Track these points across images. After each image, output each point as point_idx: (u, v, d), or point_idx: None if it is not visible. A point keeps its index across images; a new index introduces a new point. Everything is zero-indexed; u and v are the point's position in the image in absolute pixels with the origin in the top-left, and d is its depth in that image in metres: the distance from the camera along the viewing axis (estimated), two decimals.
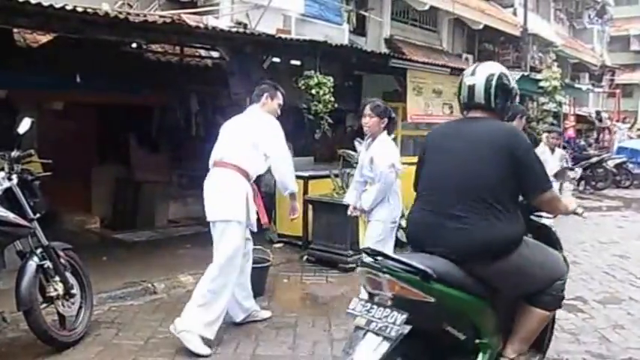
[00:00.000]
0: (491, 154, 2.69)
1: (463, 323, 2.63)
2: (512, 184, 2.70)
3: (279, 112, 4.64)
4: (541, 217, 3.09)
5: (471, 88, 2.87)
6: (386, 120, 4.88)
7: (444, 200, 2.72)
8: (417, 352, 2.56)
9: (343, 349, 2.55)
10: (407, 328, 2.40)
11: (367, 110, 4.87)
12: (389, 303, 2.51)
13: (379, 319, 2.45)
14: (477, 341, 2.68)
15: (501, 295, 2.76)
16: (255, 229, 4.38)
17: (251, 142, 4.28)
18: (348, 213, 5.06)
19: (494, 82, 2.84)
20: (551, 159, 8.88)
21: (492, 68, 2.91)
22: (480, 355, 2.68)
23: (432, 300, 2.48)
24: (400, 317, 2.41)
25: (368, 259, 2.59)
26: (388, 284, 2.50)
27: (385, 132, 4.89)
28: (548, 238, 3.12)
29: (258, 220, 4.38)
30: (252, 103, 4.62)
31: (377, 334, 2.43)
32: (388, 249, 4.87)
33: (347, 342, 2.57)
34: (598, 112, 20.62)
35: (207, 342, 3.99)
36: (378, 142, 4.85)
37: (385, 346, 2.40)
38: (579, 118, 19.40)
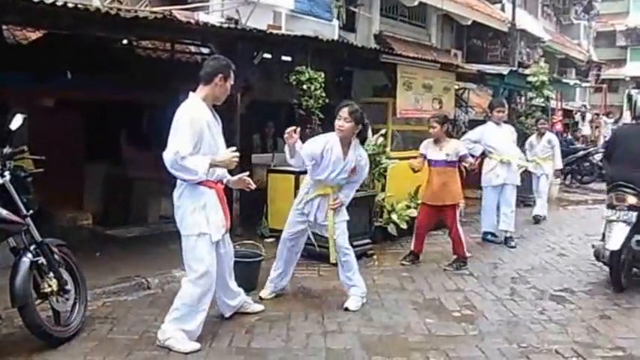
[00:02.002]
0: None
1: None
2: None
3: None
4: None
5: None
6: (360, 127, 4.75)
7: (631, 164, 5.47)
8: (636, 232, 5.33)
9: (602, 233, 5.65)
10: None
11: (345, 113, 4.66)
12: (625, 209, 5.32)
13: (623, 216, 5.31)
14: None
15: None
16: (217, 238, 4.07)
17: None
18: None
19: None
20: (538, 144, 9.19)
21: None
22: None
23: None
24: (635, 214, 5.30)
25: (619, 188, 5.41)
26: (628, 198, 5.33)
27: (357, 139, 4.80)
28: None
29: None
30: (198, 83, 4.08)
31: (623, 222, 5.30)
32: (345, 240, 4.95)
33: (604, 229, 5.60)
34: (584, 106, 20.60)
35: (196, 340, 4.02)
36: (358, 149, 4.77)
37: (628, 228, 5.30)
38: (566, 113, 19.56)
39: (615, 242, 5.28)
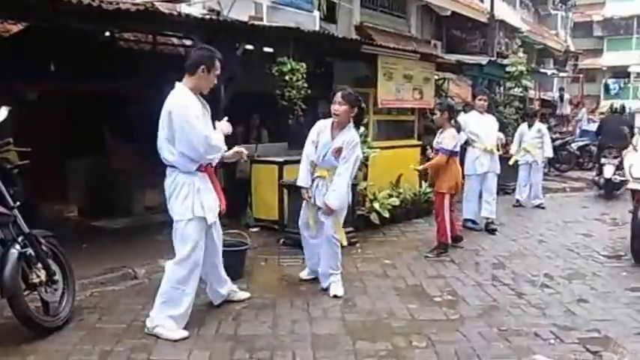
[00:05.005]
0: (622, 125, 11.27)
1: None
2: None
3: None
4: None
5: (617, 108, 12.44)
6: (356, 110, 4.92)
7: (612, 137, 10.80)
8: (617, 169, 10.26)
9: (596, 173, 11.25)
10: None
11: (338, 97, 4.87)
12: (612, 158, 10.44)
13: (611, 161, 10.40)
14: None
15: None
16: (213, 220, 4.21)
17: (165, 130, 4.03)
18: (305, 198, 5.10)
19: (623, 105, 13.05)
20: (528, 133, 9.60)
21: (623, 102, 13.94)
22: None
23: None
24: (616, 161, 10.16)
25: (610, 148, 10.67)
26: (614, 152, 10.43)
27: (352, 123, 4.95)
28: None
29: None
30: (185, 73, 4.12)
31: (611, 165, 10.35)
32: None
33: (599, 170, 10.94)
34: (561, 89, 20.84)
35: (183, 327, 4.08)
36: (347, 131, 4.89)
37: (614, 167, 10.28)
38: (544, 103, 19.81)
39: (608, 173, 10.27)
